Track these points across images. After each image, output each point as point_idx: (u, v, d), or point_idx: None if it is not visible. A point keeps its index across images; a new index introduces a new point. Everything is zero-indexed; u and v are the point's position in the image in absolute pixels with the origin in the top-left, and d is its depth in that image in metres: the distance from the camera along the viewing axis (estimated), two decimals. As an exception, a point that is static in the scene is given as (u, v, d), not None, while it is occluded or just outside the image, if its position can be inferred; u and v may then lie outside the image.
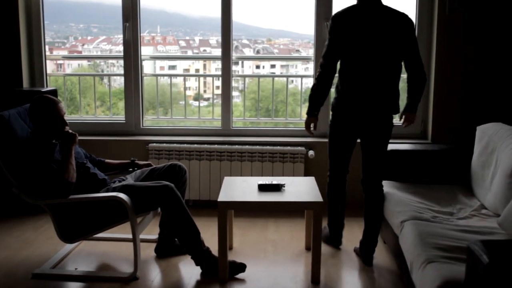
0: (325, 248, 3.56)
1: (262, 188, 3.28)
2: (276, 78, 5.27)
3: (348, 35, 3.15)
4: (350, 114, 3.23)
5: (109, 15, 5.35)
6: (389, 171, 3.65)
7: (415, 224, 2.80)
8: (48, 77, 4.81)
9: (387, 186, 3.52)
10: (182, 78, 5.25)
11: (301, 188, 3.33)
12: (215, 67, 5.49)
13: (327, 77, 3.26)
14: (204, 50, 5.61)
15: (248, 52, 5.57)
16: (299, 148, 4.39)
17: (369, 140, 3.28)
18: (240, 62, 5.63)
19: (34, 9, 4.58)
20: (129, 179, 3.50)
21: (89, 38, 5.57)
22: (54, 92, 4.26)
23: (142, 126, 4.72)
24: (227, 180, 3.54)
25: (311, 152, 4.35)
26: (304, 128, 3.47)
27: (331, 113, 3.43)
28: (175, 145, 4.46)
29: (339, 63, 3.26)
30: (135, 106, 4.66)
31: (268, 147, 4.40)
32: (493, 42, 4.21)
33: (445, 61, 4.27)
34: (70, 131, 3.27)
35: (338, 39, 3.17)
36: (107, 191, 3.28)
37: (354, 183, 3.59)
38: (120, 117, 4.82)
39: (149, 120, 4.89)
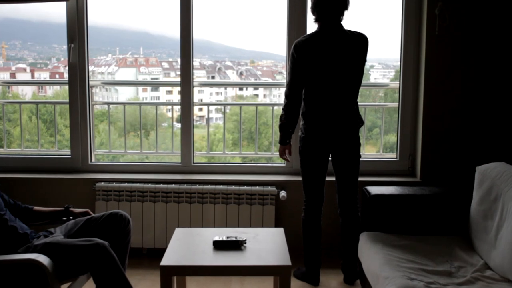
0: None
1: (218, 245, 2.67)
2: (258, 100, 5.06)
3: (312, 63, 3.14)
4: (319, 136, 3.23)
5: (92, 36, 4.97)
6: (372, 220, 3.08)
7: (406, 299, 2.21)
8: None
9: (370, 238, 2.95)
10: (166, 98, 4.90)
11: (266, 244, 2.72)
12: (198, 89, 5.42)
13: (294, 106, 3.23)
14: None
15: (231, 74, 5.62)
16: (269, 188, 3.80)
17: (340, 157, 3.30)
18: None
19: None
20: (58, 233, 2.88)
21: None
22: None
23: (91, 161, 4.10)
24: (178, 233, 2.92)
25: (282, 193, 3.76)
26: (276, 164, 3.64)
27: (300, 136, 3.32)
28: (126, 184, 3.84)
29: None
30: (82, 139, 4.04)
31: (233, 187, 3.81)
32: (492, 65, 3.70)
33: (435, 86, 3.73)
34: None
35: (302, 68, 3.15)
36: (27, 249, 2.66)
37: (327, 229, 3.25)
38: (66, 151, 4.19)
39: (100, 154, 4.28)
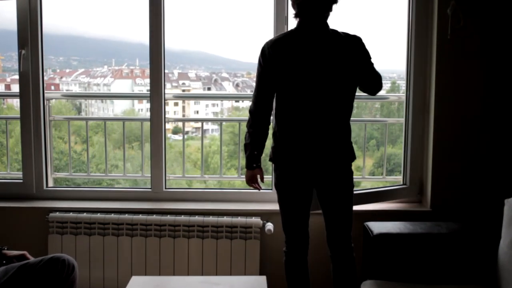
0: None
1: (180, 305, 2.09)
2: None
3: (285, 69, 2.48)
4: (296, 164, 2.54)
5: (88, 47, 5.50)
6: (377, 265, 2.50)
7: None
8: None
9: (375, 289, 2.38)
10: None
11: (242, 302, 2.15)
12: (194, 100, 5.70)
13: (261, 124, 2.61)
14: (183, 83, 5.63)
15: (228, 85, 5.60)
16: (254, 219, 3.22)
17: (327, 192, 2.60)
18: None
19: None
20: (-20, 285, 2.30)
21: (67, 71, 5.53)
22: None
23: (46, 187, 3.52)
24: (133, 284, 2.34)
25: (269, 226, 3.18)
26: (261, 191, 2.88)
27: (272, 166, 2.70)
28: (85, 214, 3.26)
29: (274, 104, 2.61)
30: (36, 161, 3.46)
31: (211, 217, 3.23)
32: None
33: (448, 99, 3.17)
34: None
35: (272, 75, 2.50)
36: None
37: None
38: (18, 173, 3.61)
39: (61, 177, 3.70)
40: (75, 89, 5.94)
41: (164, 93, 3.38)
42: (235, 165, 4.27)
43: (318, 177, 2.57)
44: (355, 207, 2.75)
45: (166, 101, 3.42)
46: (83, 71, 5.58)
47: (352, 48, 2.49)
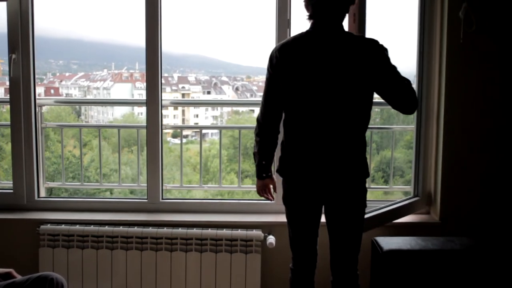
0: None
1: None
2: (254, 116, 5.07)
3: (296, 75, 2.28)
4: (303, 177, 2.35)
5: (89, 51, 5.82)
6: (386, 284, 2.35)
7: None
8: None
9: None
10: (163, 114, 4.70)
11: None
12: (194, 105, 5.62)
13: (269, 133, 2.46)
14: (183, 87, 5.77)
15: (227, 89, 5.81)
16: (255, 232, 3.06)
17: (334, 211, 2.39)
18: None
19: None
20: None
21: (67, 74, 5.69)
22: None
23: (38, 197, 3.36)
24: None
25: (270, 239, 3.03)
26: (262, 201, 2.92)
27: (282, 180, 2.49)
28: (77, 227, 3.11)
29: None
30: (27, 170, 3.31)
31: (210, 230, 3.07)
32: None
33: (460, 105, 3.02)
34: None
35: (282, 82, 2.33)
36: None
37: None
38: (8, 183, 3.47)
39: (55, 186, 3.55)
40: (75, 92, 5.88)
41: (161, 100, 3.23)
42: (234, 169, 4.14)
43: (326, 193, 2.37)
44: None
45: (163, 107, 3.28)
46: (82, 74, 5.55)
47: (368, 52, 2.24)
